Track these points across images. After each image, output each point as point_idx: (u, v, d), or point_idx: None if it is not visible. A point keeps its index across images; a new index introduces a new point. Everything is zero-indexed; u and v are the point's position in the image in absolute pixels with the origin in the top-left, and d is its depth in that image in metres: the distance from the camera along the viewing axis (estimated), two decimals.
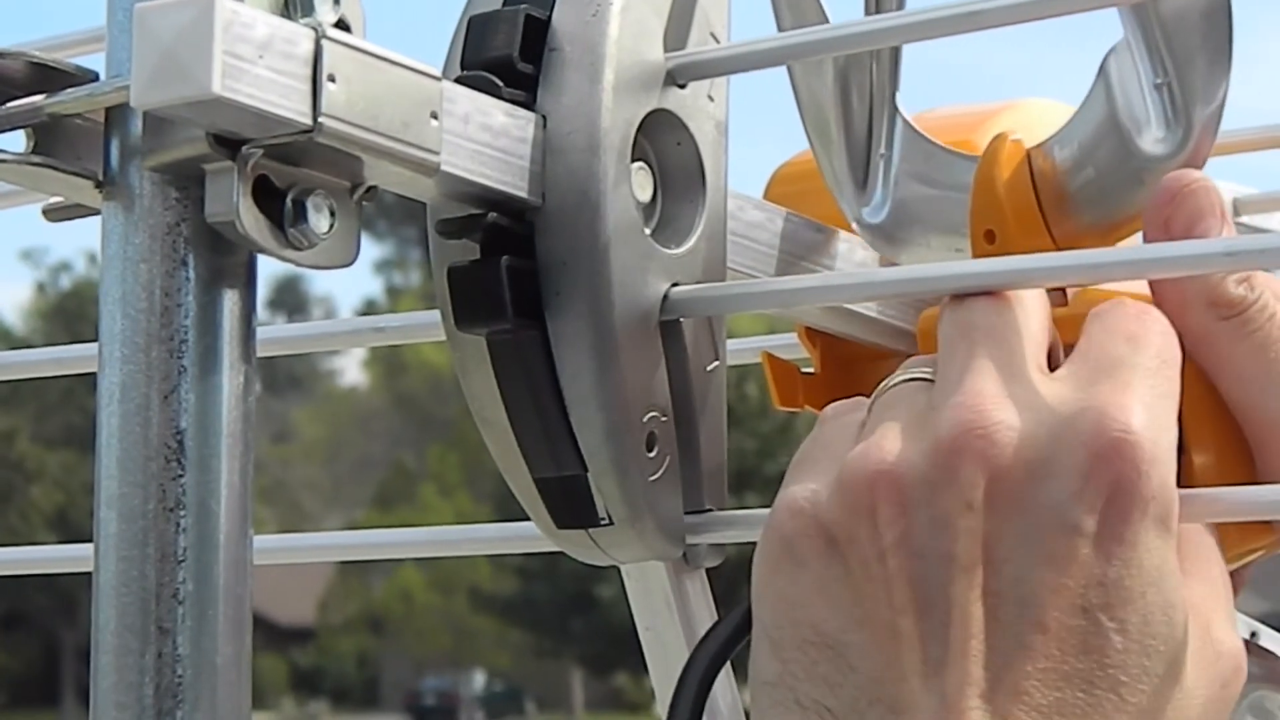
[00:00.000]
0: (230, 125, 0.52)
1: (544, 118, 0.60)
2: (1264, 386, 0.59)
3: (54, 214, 0.59)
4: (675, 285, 0.62)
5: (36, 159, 0.55)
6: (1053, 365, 0.57)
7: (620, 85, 0.60)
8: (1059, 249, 0.65)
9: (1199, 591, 0.54)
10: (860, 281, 0.64)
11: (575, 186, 0.59)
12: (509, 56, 0.60)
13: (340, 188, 0.56)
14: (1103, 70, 0.64)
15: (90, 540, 0.56)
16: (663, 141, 0.63)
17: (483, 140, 0.58)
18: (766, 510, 0.57)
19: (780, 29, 0.68)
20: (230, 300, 0.55)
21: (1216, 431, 0.59)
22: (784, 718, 0.54)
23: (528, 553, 0.71)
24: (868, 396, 0.58)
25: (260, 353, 0.58)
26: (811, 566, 0.54)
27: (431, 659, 31.23)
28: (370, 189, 0.57)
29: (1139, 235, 0.63)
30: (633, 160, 0.61)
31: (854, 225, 0.71)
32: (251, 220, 0.54)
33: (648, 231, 0.61)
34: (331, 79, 0.52)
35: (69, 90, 0.55)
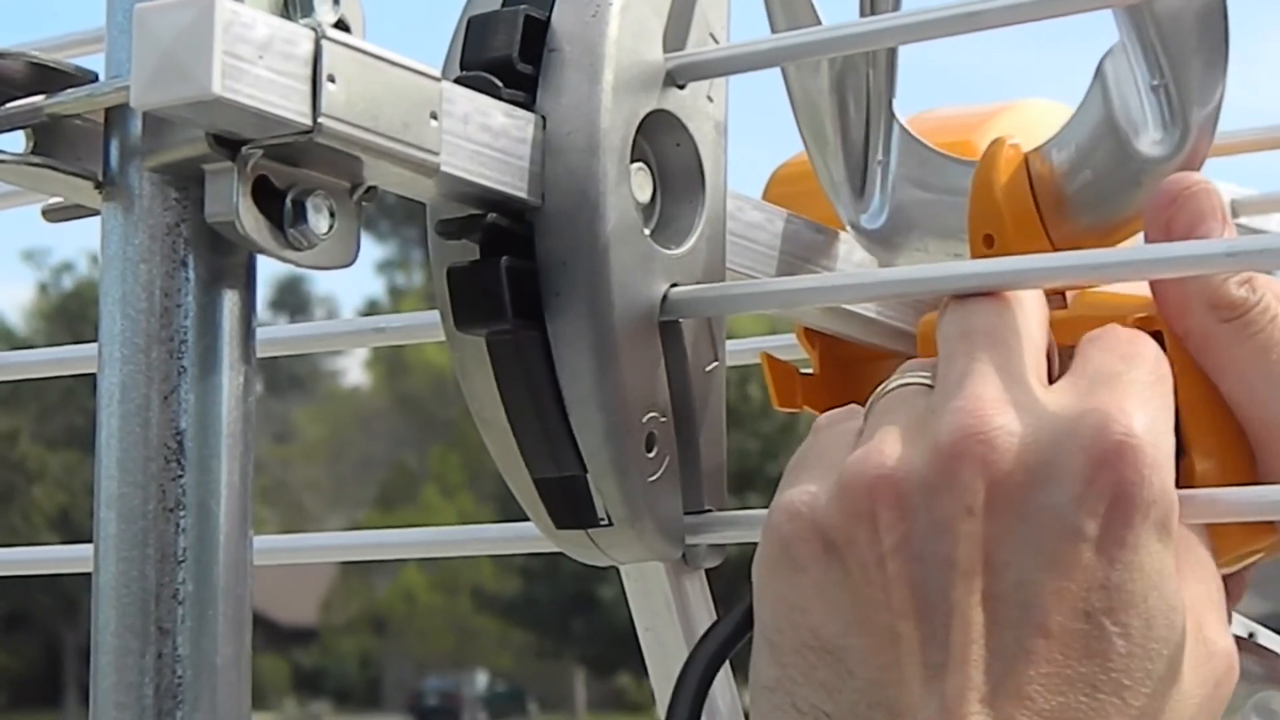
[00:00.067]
0: (230, 126, 0.52)
1: (543, 118, 0.60)
2: (1266, 388, 0.59)
3: (53, 214, 0.59)
4: (675, 286, 0.62)
5: (36, 159, 0.55)
6: (1050, 369, 0.57)
7: (620, 86, 0.60)
8: (1057, 252, 0.65)
9: (1193, 591, 0.54)
10: (859, 282, 0.64)
11: (575, 187, 0.59)
12: (508, 57, 0.60)
13: (340, 188, 0.56)
14: (1099, 73, 0.64)
15: (91, 540, 0.56)
16: (662, 142, 0.63)
17: (482, 141, 0.58)
18: (766, 511, 0.57)
19: (773, 30, 0.68)
20: (230, 301, 0.55)
21: (1218, 433, 0.59)
22: None
23: (528, 553, 0.71)
24: (865, 399, 0.58)
25: (261, 353, 0.58)
26: (810, 570, 0.54)
27: (434, 659, 31.22)
28: (370, 189, 0.57)
29: (1138, 237, 0.63)
30: (632, 161, 0.61)
31: (851, 231, 0.71)
32: (251, 221, 0.54)
33: (647, 232, 0.61)
34: (331, 79, 0.52)
35: (69, 91, 0.55)
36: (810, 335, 0.73)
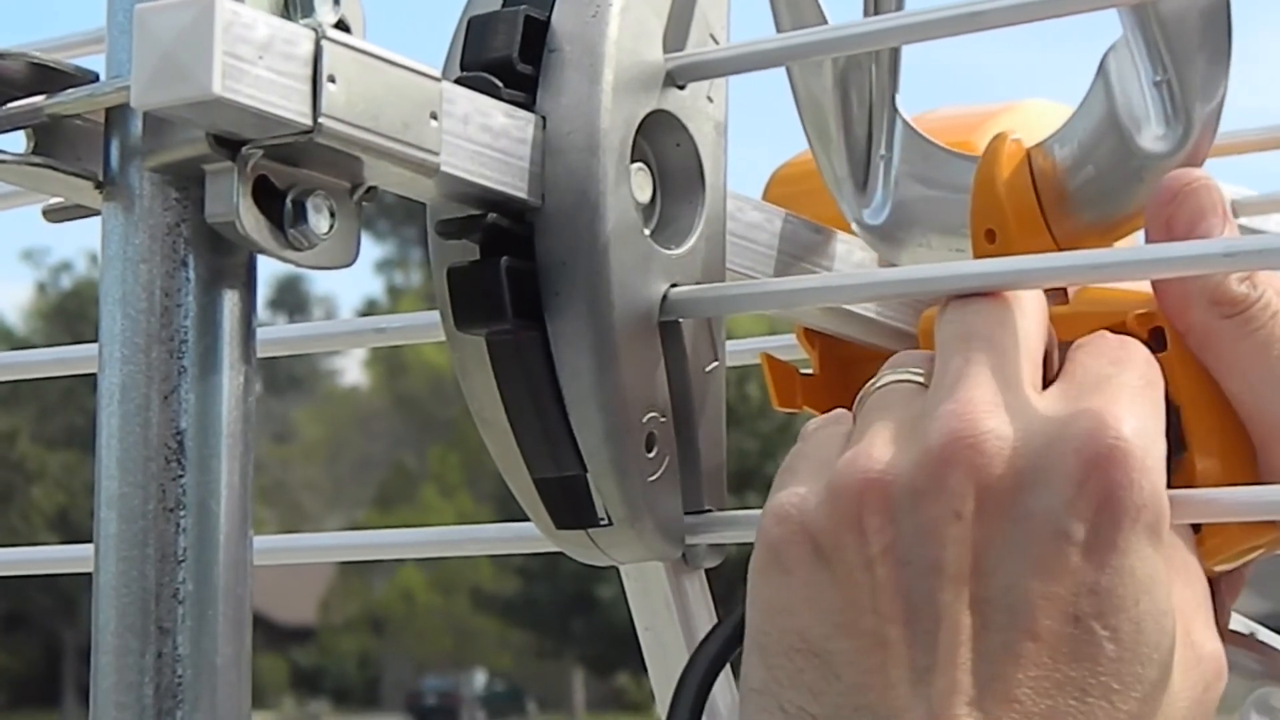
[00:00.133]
0: (230, 126, 0.52)
1: (543, 118, 0.60)
2: (1267, 385, 0.59)
3: (54, 215, 0.59)
4: (674, 286, 0.62)
5: (36, 159, 0.55)
6: (1048, 367, 0.57)
7: (620, 86, 0.60)
8: (1060, 248, 0.65)
9: (1179, 595, 0.54)
10: (859, 282, 0.64)
11: (575, 187, 0.59)
12: (508, 57, 0.60)
13: (340, 188, 0.56)
14: (1102, 68, 0.64)
15: (91, 540, 0.56)
16: (662, 142, 0.63)
17: (482, 141, 0.58)
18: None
19: (779, 30, 0.68)
20: (230, 301, 0.55)
21: (1220, 431, 0.59)
22: None
23: (528, 553, 0.71)
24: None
25: (261, 353, 0.58)
26: (798, 574, 0.54)
27: (433, 659, 31.22)
28: (370, 189, 0.57)
29: (1140, 233, 0.63)
30: (632, 161, 0.61)
31: (854, 226, 0.71)
32: (251, 221, 0.54)
33: (647, 232, 0.61)
34: (331, 80, 0.52)
35: (69, 91, 0.55)
36: (810, 335, 0.73)
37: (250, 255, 0.56)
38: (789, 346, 0.76)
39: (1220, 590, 0.64)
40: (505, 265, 0.59)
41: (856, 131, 0.70)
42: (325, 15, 0.53)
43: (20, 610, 29.10)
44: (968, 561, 0.52)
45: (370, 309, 37.60)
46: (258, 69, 0.51)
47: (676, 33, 0.63)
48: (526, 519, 0.64)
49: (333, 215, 0.55)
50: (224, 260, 0.55)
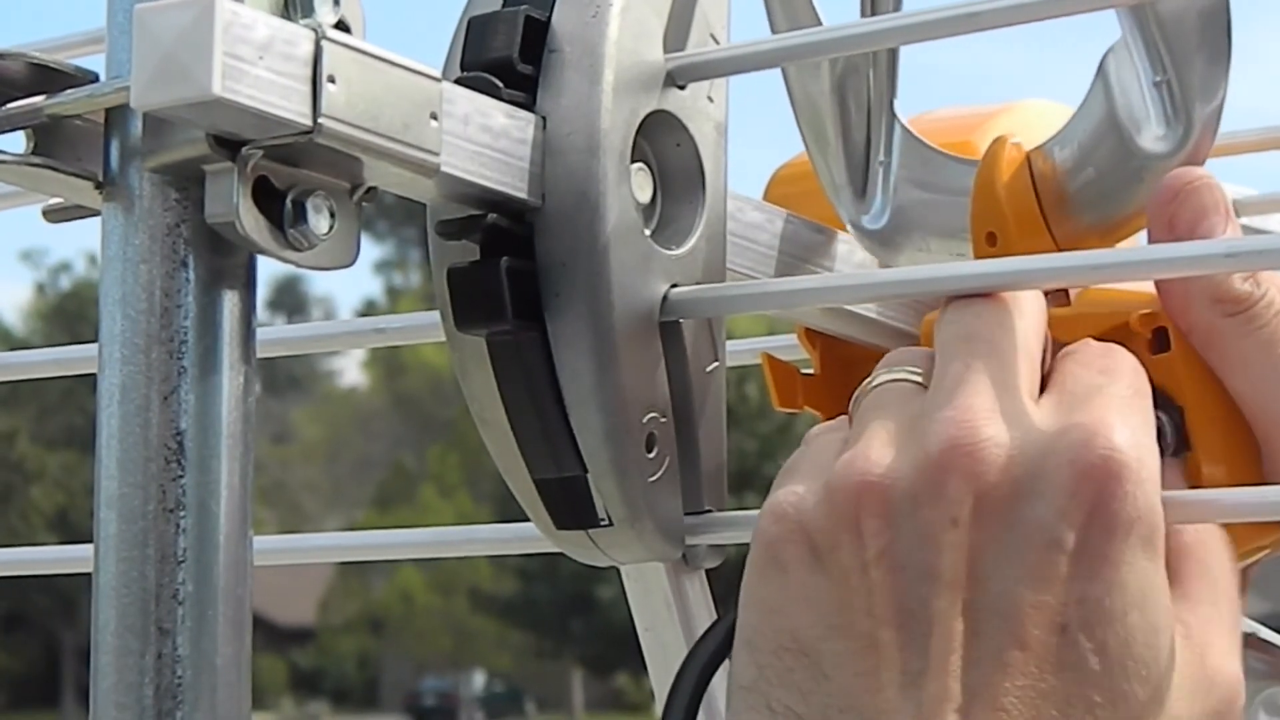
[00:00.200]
0: (230, 126, 0.52)
1: (544, 119, 0.60)
2: (1270, 383, 0.59)
3: (54, 215, 0.59)
4: (675, 286, 0.62)
5: (36, 160, 0.55)
6: (1045, 368, 0.57)
7: (620, 86, 0.60)
8: (1060, 250, 0.65)
9: (1200, 614, 0.54)
10: (860, 283, 0.64)
11: (575, 187, 0.59)
12: (509, 58, 0.60)
13: (340, 189, 0.56)
14: (1101, 70, 0.64)
15: (90, 541, 0.56)
16: (662, 143, 0.63)
17: (482, 141, 0.58)
18: None
19: (774, 31, 0.68)
20: (230, 301, 0.55)
21: (1224, 433, 0.59)
22: None
23: (528, 554, 0.71)
24: None
25: (261, 353, 0.58)
26: (793, 573, 0.54)
27: (431, 660, 31.22)
28: (370, 190, 0.57)
29: (1141, 234, 0.63)
30: (632, 161, 0.61)
31: (852, 232, 0.71)
32: (251, 221, 0.54)
33: (647, 232, 0.61)
34: (331, 80, 0.52)
35: (69, 91, 0.55)
36: (811, 335, 0.73)
37: (250, 256, 0.56)
38: (789, 347, 0.76)
39: None
40: (505, 266, 0.59)
41: (855, 137, 0.70)
42: (325, 15, 0.53)
43: (20, 610, 29.10)
44: (962, 568, 0.52)
45: (369, 309, 37.61)
46: (258, 69, 0.51)
47: (677, 33, 0.63)
48: (526, 519, 0.64)
49: (332, 216, 0.55)
50: (224, 261, 0.55)
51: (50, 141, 0.55)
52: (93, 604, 0.55)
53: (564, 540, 0.63)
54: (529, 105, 0.60)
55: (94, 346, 0.56)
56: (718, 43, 0.64)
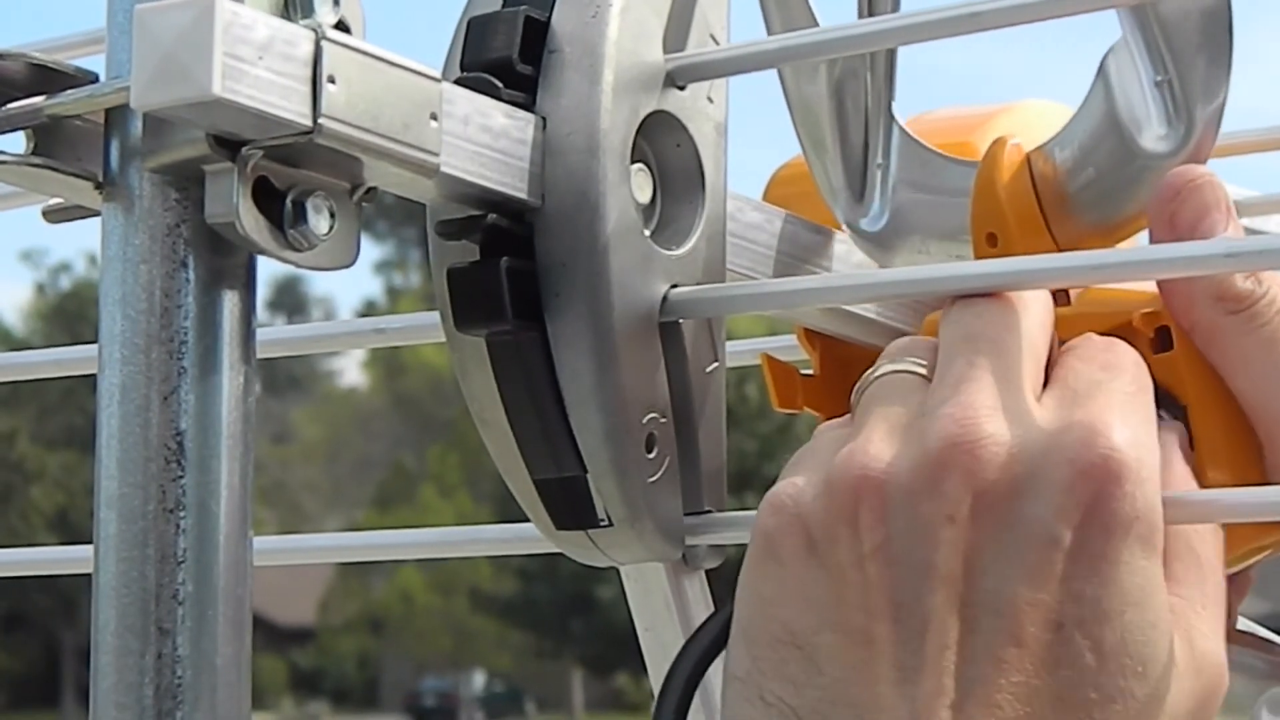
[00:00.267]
0: (230, 126, 0.52)
1: (543, 119, 0.60)
2: (1272, 381, 0.59)
3: (54, 215, 0.59)
4: (675, 286, 0.62)
5: (36, 160, 0.55)
6: (1049, 367, 0.57)
7: (620, 87, 0.60)
8: (1061, 251, 0.65)
9: (1186, 596, 0.54)
10: (859, 283, 0.64)
11: (575, 188, 0.59)
12: (508, 58, 0.60)
13: (340, 189, 0.56)
14: (1102, 70, 0.64)
15: (90, 541, 0.56)
16: (662, 143, 0.63)
17: (482, 141, 0.58)
18: None
19: (770, 32, 0.68)
20: (230, 301, 0.55)
21: (1225, 430, 0.59)
22: (748, 713, 0.54)
23: (527, 554, 0.71)
24: None
25: (261, 354, 0.58)
26: (790, 565, 0.54)
27: (431, 660, 31.22)
28: (370, 190, 0.57)
29: (1142, 234, 0.63)
30: (632, 161, 0.61)
31: (850, 235, 0.71)
32: (251, 221, 0.54)
33: (647, 233, 0.61)
34: (331, 80, 0.52)
35: (69, 91, 0.55)
36: (810, 336, 0.73)
37: (250, 256, 0.56)
38: (789, 347, 0.76)
39: (1229, 592, 0.64)
40: (505, 266, 0.59)
41: (852, 140, 0.70)
42: (325, 16, 0.53)
43: (20, 611, 29.10)
44: (958, 565, 0.52)
45: (369, 310, 37.59)
46: (257, 69, 0.51)
47: (676, 33, 0.63)
48: (526, 520, 0.64)
49: (332, 216, 0.55)
50: (224, 261, 0.55)
51: (50, 142, 0.55)
52: (93, 604, 0.55)
53: (564, 540, 0.63)
54: (529, 106, 0.60)
55: (94, 346, 0.56)
56: (717, 43, 0.64)
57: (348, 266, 0.56)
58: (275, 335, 0.78)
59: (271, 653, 31.09)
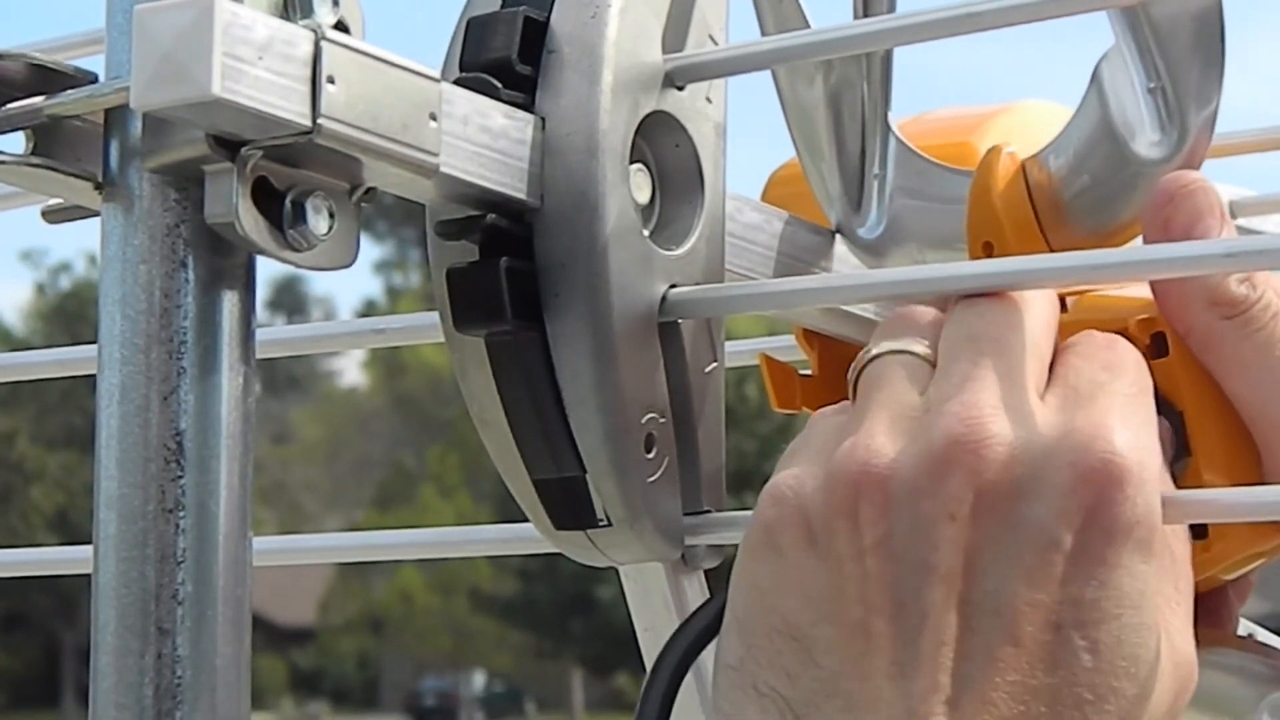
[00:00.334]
0: (230, 127, 0.52)
1: (543, 119, 0.60)
2: (1268, 385, 0.59)
3: (53, 215, 0.59)
4: (674, 287, 0.62)
5: (36, 160, 0.55)
6: (1051, 365, 0.57)
7: (619, 87, 0.60)
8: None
9: (1163, 592, 0.54)
10: (858, 283, 0.64)
11: (574, 188, 0.59)
12: (508, 58, 0.60)
13: (339, 189, 0.56)
14: (1095, 77, 0.64)
15: (90, 541, 0.56)
16: (661, 143, 0.63)
17: (481, 142, 0.58)
18: None
19: (763, 34, 0.68)
20: (230, 301, 0.55)
21: (1222, 435, 0.59)
22: (740, 702, 0.54)
23: (527, 554, 0.71)
24: None
25: (260, 354, 0.58)
26: (789, 557, 0.54)
27: (431, 660, 31.21)
28: (369, 190, 0.57)
29: (1138, 240, 0.63)
30: (631, 162, 0.61)
31: (847, 242, 0.72)
32: (251, 221, 0.54)
33: (646, 233, 0.61)
34: (331, 80, 0.52)
35: (69, 92, 0.55)
36: (809, 336, 0.73)
37: (249, 256, 0.56)
38: (788, 347, 0.76)
39: (1229, 596, 0.64)
40: (504, 266, 0.59)
41: (849, 148, 0.70)
42: (324, 16, 0.53)
43: (20, 611, 29.09)
44: (958, 563, 0.52)
45: (369, 310, 37.59)
46: (257, 70, 0.51)
47: (675, 33, 0.63)
48: (526, 520, 0.64)
49: (332, 216, 0.55)
50: (223, 261, 0.55)
51: (50, 142, 0.55)
52: (93, 604, 0.55)
53: (563, 541, 0.63)
54: (528, 106, 0.60)
55: (94, 347, 0.56)
56: (716, 44, 0.65)
57: (347, 266, 0.56)
58: (275, 335, 0.79)
59: (271, 653, 31.08)
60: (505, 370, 0.61)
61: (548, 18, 0.61)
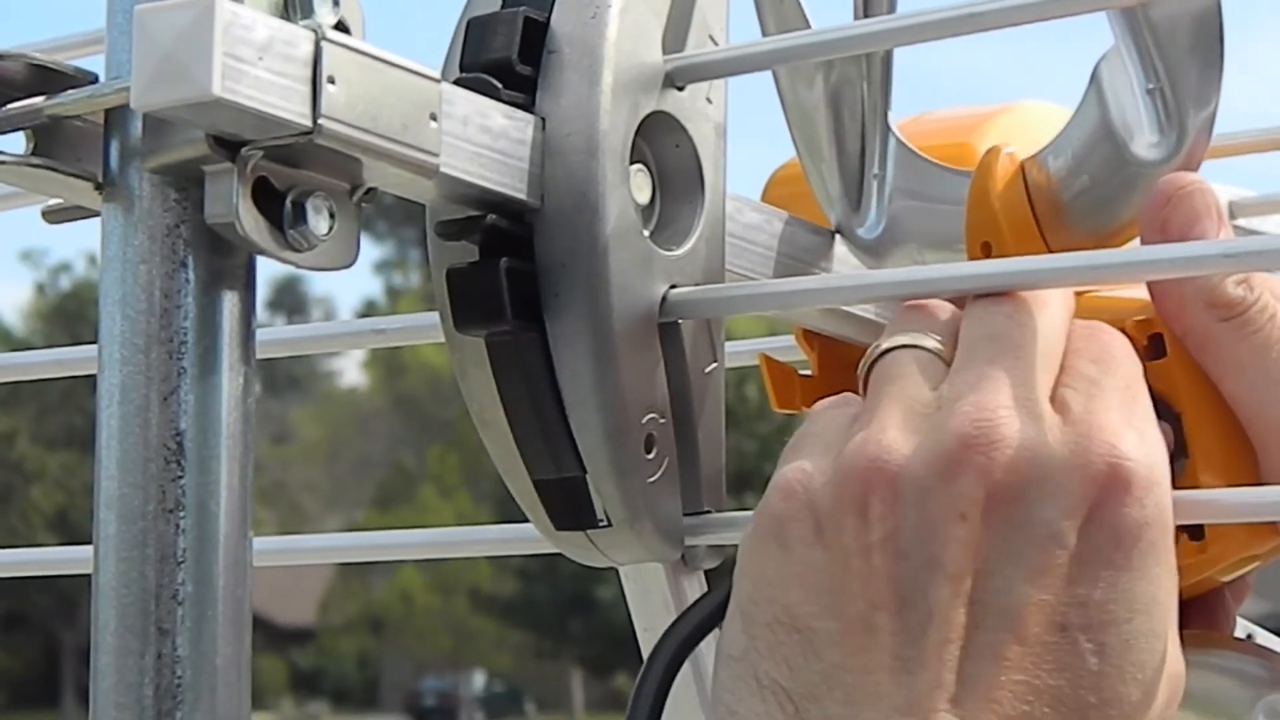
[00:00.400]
0: (230, 127, 0.52)
1: (543, 120, 0.60)
2: (1266, 386, 0.59)
3: (53, 215, 0.59)
4: (674, 287, 0.62)
5: (36, 160, 0.55)
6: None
7: (619, 87, 0.60)
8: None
9: (1171, 600, 0.54)
10: (858, 283, 0.64)
11: (574, 188, 0.59)
12: (508, 58, 0.60)
13: (340, 189, 0.56)
14: (1094, 78, 0.64)
15: (90, 541, 0.56)
16: (661, 143, 0.63)
17: (482, 142, 0.58)
18: None
19: (764, 34, 0.68)
20: (230, 301, 0.55)
21: (1220, 437, 0.59)
22: (741, 692, 0.54)
23: (527, 554, 0.71)
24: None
25: (260, 354, 0.58)
26: (796, 550, 0.54)
27: (431, 660, 31.21)
28: (370, 190, 0.57)
29: (1136, 242, 0.63)
30: (631, 162, 0.61)
31: (846, 243, 0.72)
32: (251, 222, 0.54)
33: (646, 233, 0.61)
34: (331, 81, 0.52)
35: (69, 92, 0.55)
36: (809, 337, 0.73)
37: (250, 256, 0.56)
38: (788, 348, 0.76)
39: (1225, 597, 0.64)
40: (505, 266, 0.59)
41: (849, 149, 0.70)
42: (325, 16, 0.53)
43: (20, 611, 29.09)
44: (966, 562, 0.52)
45: (369, 310, 37.57)
46: (257, 70, 0.51)
47: (675, 34, 0.63)
48: (526, 520, 0.64)
49: (332, 216, 0.55)
50: (223, 261, 0.55)
51: (50, 142, 0.55)
52: (93, 604, 0.55)
53: (563, 541, 0.63)
54: (528, 106, 0.60)
55: (94, 347, 0.56)
56: (716, 44, 0.65)
57: (347, 267, 0.56)
58: (275, 335, 0.79)
59: (271, 653, 31.08)
60: (505, 370, 0.61)
61: (548, 18, 0.61)
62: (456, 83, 0.58)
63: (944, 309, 0.58)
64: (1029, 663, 0.51)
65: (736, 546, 0.64)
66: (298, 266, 0.55)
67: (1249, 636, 0.67)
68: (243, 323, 0.56)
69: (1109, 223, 0.64)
